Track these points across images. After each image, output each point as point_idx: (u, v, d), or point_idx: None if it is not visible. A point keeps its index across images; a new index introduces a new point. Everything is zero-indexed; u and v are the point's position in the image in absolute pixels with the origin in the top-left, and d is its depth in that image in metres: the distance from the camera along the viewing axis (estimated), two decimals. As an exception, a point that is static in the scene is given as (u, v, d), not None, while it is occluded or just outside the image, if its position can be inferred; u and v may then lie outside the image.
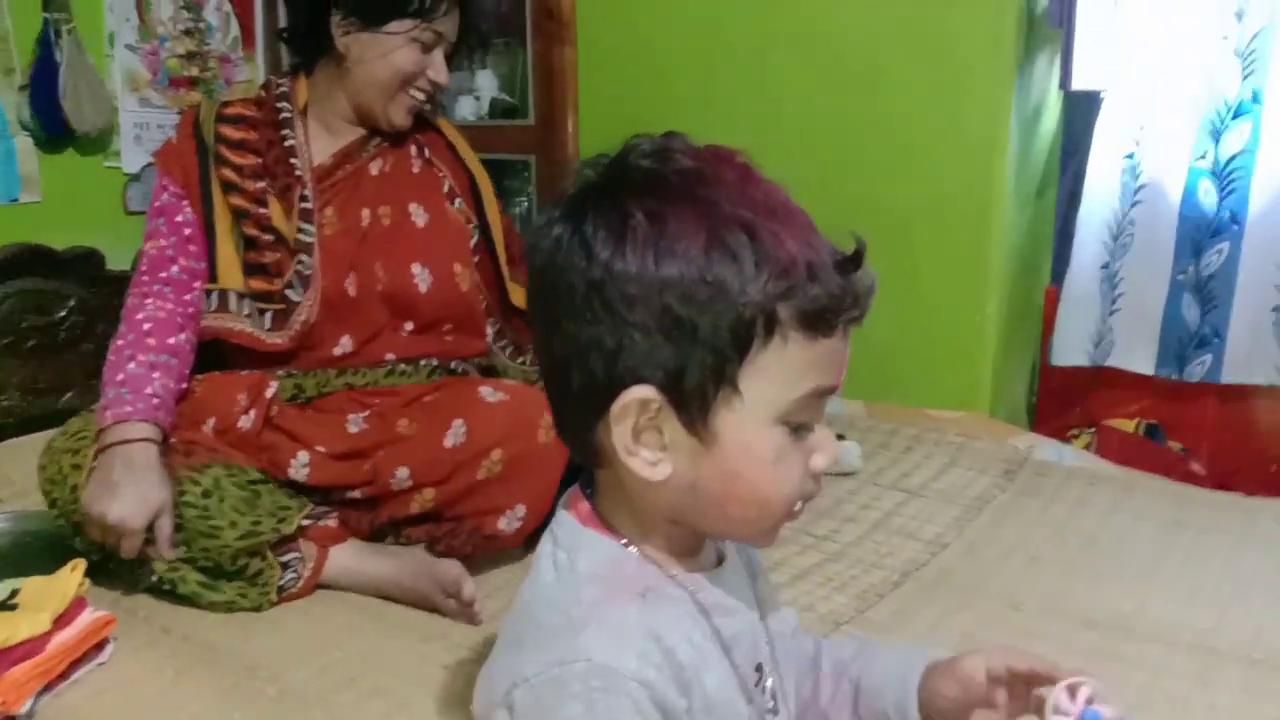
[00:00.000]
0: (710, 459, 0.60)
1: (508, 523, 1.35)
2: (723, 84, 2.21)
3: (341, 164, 1.50)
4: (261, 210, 1.43)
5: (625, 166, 0.62)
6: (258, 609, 1.31)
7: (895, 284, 2.15)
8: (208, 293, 1.42)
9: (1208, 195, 1.91)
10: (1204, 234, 1.92)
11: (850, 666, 0.78)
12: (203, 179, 1.44)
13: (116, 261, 2.21)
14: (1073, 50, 2.00)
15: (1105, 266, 2.01)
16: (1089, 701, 0.66)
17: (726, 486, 0.61)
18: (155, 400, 1.31)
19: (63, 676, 1.12)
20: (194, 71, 2.74)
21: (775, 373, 0.59)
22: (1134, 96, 1.94)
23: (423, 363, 1.49)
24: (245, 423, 1.36)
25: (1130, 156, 1.96)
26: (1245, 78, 1.86)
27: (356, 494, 1.36)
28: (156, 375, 1.34)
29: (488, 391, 1.41)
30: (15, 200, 2.34)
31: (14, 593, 1.17)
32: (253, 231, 1.42)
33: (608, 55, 2.41)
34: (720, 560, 0.69)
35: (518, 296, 1.57)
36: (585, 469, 0.68)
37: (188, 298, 1.42)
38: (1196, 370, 1.95)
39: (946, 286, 2.07)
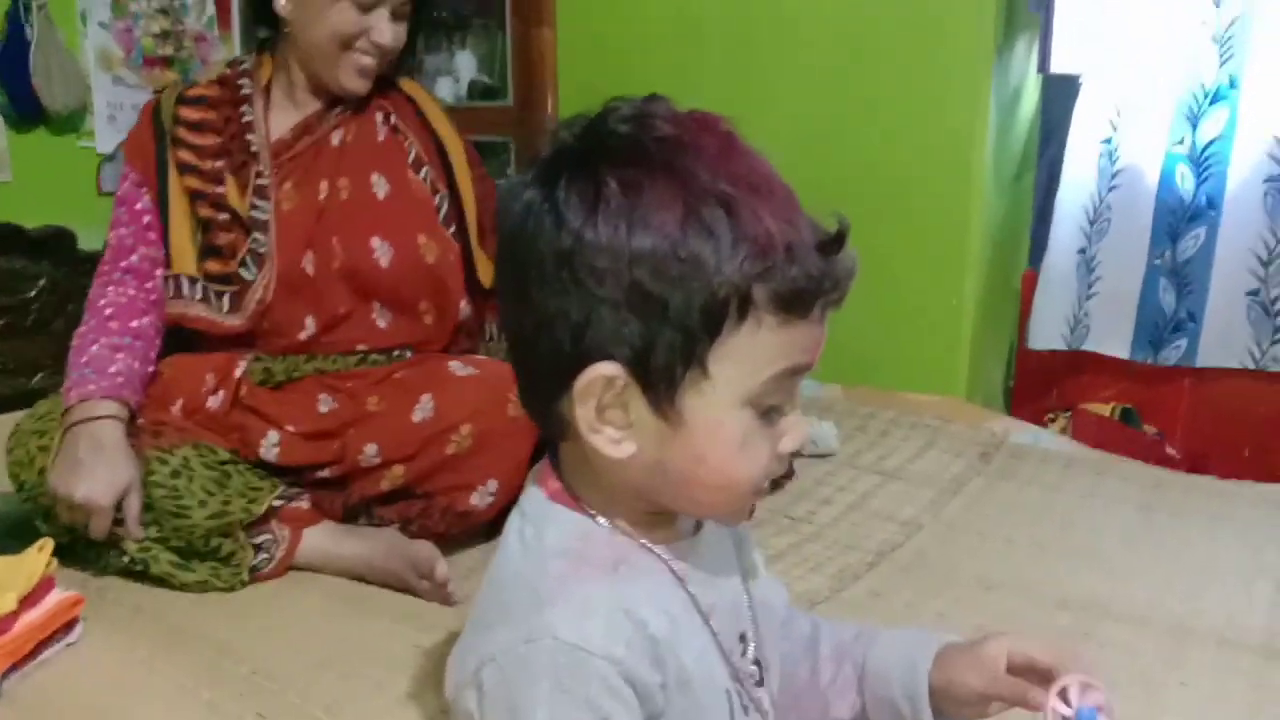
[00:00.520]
0: (676, 440, 0.59)
1: (480, 498, 1.34)
2: (702, 65, 2.21)
3: (301, 137, 1.46)
4: (218, 190, 1.40)
5: (602, 131, 0.60)
6: (230, 589, 1.29)
7: (872, 267, 2.15)
8: (165, 279, 1.40)
9: (1185, 180, 1.92)
10: (1180, 219, 1.93)
11: (852, 649, 0.75)
12: (159, 164, 1.42)
13: (89, 241, 2.18)
14: (1051, 34, 2.01)
15: (1082, 251, 2.02)
16: (1099, 709, 0.65)
17: (692, 469, 0.60)
18: (120, 379, 1.30)
19: (30, 656, 1.10)
20: (169, 50, 2.71)
21: (746, 355, 0.57)
22: (1112, 81, 1.95)
23: (396, 353, 1.45)
24: (214, 403, 1.35)
25: (1108, 141, 1.97)
26: (1223, 63, 1.87)
27: (326, 473, 1.34)
28: (120, 356, 1.32)
29: (457, 366, 1.39)
30: (-15, 179, 2.32)
31: (-20, 573, 1.15)
32: (207, 213, 1.40)
33: (587, 36, 2.40)
34: (698, 528, 0.68)
35: (485, 272, 1.49)
36: (551, 443, 0.67)
37: (149, 285, 1.40)
38: (1172, 354, 1.97)
39: (924, 270, 2.08)
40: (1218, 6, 1.86)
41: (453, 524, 1.36)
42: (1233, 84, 1.86)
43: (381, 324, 1.45)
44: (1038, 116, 2.20)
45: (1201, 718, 1.05)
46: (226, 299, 1.40)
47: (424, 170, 1.50)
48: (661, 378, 0.57)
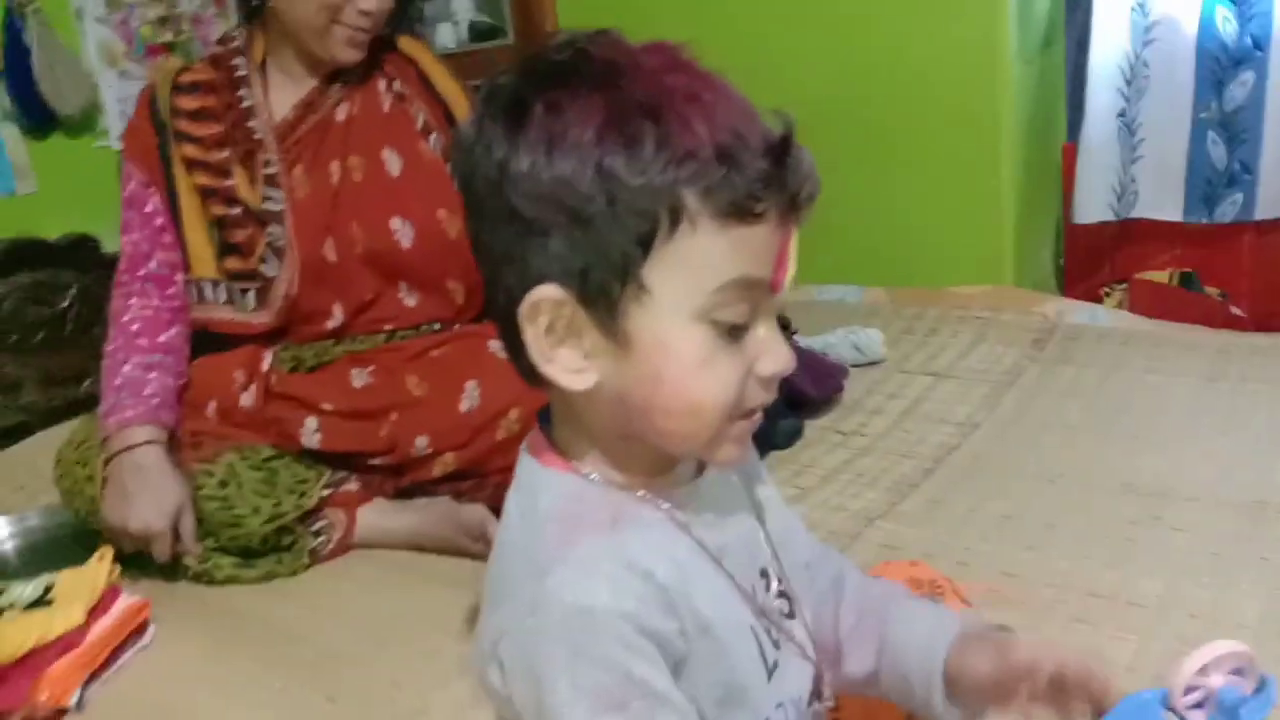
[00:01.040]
0: (629, 363, 0.56)
1: None
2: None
3: (305, 116, 1.42)
4: (227, 183, 1.37)
5: (537, 61, 0.57)
6: (293, 574, 1.32)
7: (903, 159, 2.10)
8: (186, 284, 1.39)
9: (1227, 24, 1.80)
10: (1225, 66, 1.82)
11: (876, 606, 0.73)
12: (164, 161, 1.39)
13: (116, 243, 2.18)
14: (1066, -113, 1.88)
15: (1122, 114, 1.92)
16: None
17: (651, 391, 0.56)
18: (155, 400, 1.30)
19: (107, 664, 1.14)
20: (168, 36, 2.68)
21: (686, 265, 0.54)
22: (1137, -73, 1.82)
23: (423, 327, 1.42)
24: (247, 400, 1.34)
25: (1139, -7, 1.85)
26: (1257, -110, 1.73)
27: (378, 461, 1.34)
28: (153, 375, 1.32)
29: (497, 347, 1.37)
30: (13, 193, 2.33)
31: (48, 589, 1.18)
32: (220, 210, 1.38)
33: (582, -39, 2.31)
34: (699, 472, 0.66)
35: None
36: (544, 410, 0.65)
37: (170, 291, 1.39)
38: (1228, 211, 1.87)
39: (957, 155, 1.99)
40: None
41: (504, 498, 1.35)
42: (1270, -88, 1.73)
43: (410, 303, 1.42)
44: (1062, -23, 2.07)
45: (1283, 595, 1.02)
46: (252, 296, 1.38)
47: (433, 137, 1.44)
48: (601, 295, 0.55)
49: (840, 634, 0.73)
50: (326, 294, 1.39)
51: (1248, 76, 1.80)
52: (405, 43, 1.49)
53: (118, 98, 2.62)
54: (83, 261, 2.17)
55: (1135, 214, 1.96)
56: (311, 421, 1.33)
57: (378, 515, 1.35)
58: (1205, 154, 1.86)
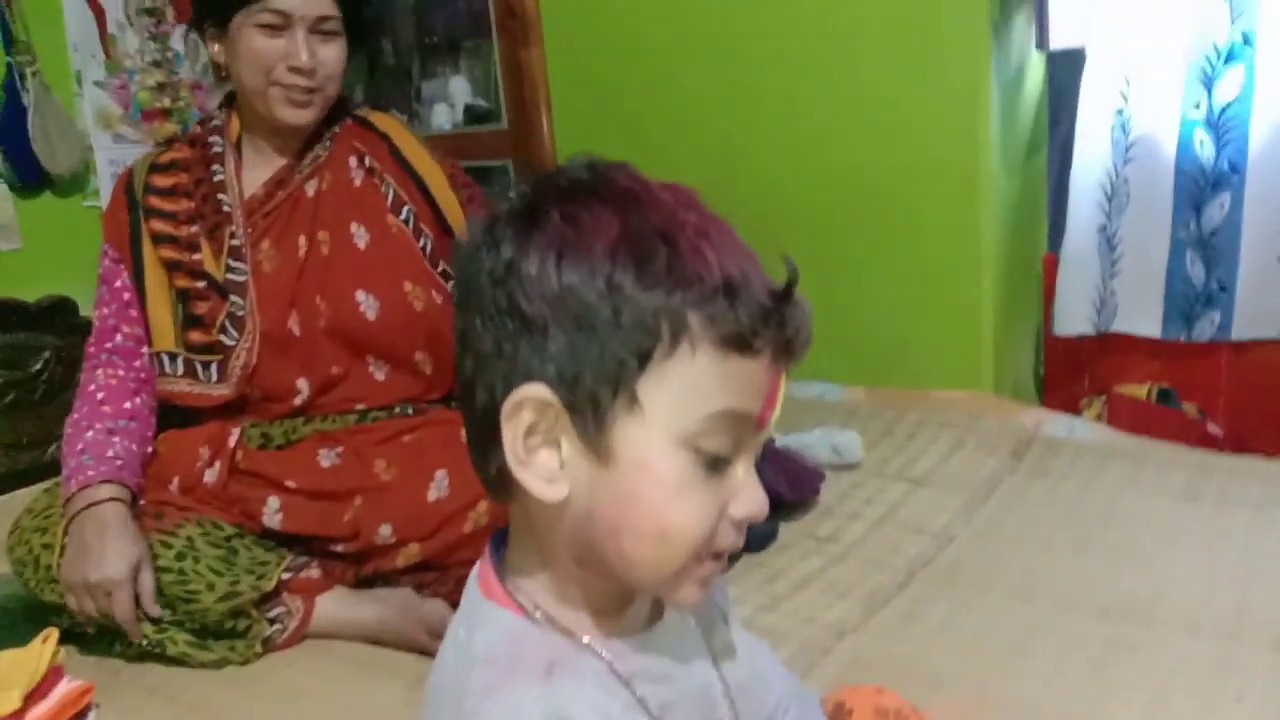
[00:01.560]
0: (606, 478, 0.55)
1: None
2: (695, 65, 2.15)
3: (274, 191, 1.43)
4: (194, 257, 1.38)
5: (556, 177, 0.58)
6: (246, 663, 1.27)
7: (886, 262, 2.12)
8: (149, 357, 1.38)
9: (1204, 146, 1.84)
10: (1203, 187, 1.85)
11: None
12: (133, 238, 1.40)
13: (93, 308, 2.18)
14: (1047, 7, 1.93)
15: (1103, 229, 1.94)
16: None
17: (623, 511, 0.55)
18: (118, 462, 1.28)
19: (42, 753, 1.09)
20: (166, 102, 2.70)
21: (680, 387, 0.53)
22: (1119, 49, 1.86)
23: (398, 410, 1.41)
24: (210, 476, 1.32)
25: (1120, 112, 1.89)
26: (1235, 20, 1.78)
27: (340, 548, 1.31)
28: (116, 439, 1.31)
29: None
30: (-5, 250, 2.32)
31: (-12, 669, 1.14)
32: (185, 283, 1.38)
33: (576, 51, 2.35)
34: (653, 619, 0.63)
35: None
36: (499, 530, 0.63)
37: (137, 364, 1.39)
38: (1206, 329, 1.88)
39: (939, 261, 2.01)
40: (1224, -41, 1.77)
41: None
42: (1247, 41, 1.77)
43: (380, 376, 1.41)
44: (1045, 93, 2.12)
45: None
46: (214, 369, 1.37)
47: (405, 210, 1.45)
48: (589, 403, 0.54)
49: None
50: (291, 368, 1.37)
51: (1224, 198, 1.83)
52: (379, 119, 1.51)
53: (110, 160, 2.63)
54: (59, 325, 2.15)
55: (1114, 328, 1.97)
56: (274, 501, 1.30)
57: (336, 605, 1.31)
58: (1184, 271, 1.88)
